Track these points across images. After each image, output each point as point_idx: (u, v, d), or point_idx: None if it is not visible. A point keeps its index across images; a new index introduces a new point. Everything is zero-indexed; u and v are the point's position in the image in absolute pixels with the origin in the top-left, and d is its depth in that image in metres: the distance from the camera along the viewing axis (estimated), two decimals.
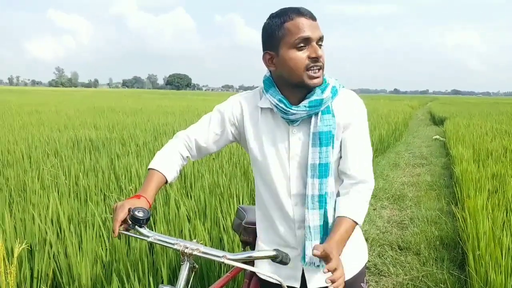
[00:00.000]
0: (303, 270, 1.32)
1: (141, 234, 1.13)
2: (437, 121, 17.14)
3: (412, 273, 3.17)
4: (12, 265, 2.01)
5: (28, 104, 19.10)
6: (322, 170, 1.23)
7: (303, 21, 1.16)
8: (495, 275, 2.24)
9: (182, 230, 2.77)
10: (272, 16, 1.22)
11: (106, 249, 2.50)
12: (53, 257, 2.44)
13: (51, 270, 2.37)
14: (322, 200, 1.24)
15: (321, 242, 1.25)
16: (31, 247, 2.51)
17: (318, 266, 1.27)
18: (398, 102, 31.52)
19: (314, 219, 1.24)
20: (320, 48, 1.19)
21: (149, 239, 1.11)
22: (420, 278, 3.08)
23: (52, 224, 2.81)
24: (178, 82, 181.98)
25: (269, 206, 1.34)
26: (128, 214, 1.13)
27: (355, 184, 1.26)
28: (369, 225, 4.25)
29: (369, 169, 1.28)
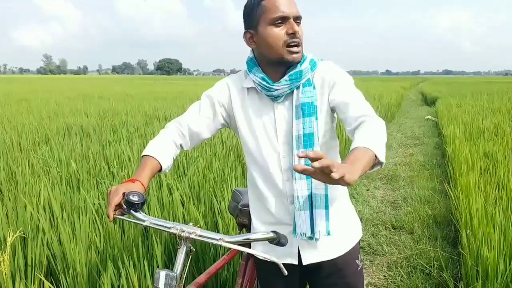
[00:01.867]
0: (298, 247, 1.32)
1: (136, 218, 1.11)
2: (429, 102, 17.21)
3: (406, 252, 3.21)
4: (6, 254, 1.99)
5: (16, 92, 18.80)
6: (306, 140, 1.23)
7: None
8: (488, 251, 2.26)
9: (176, 215, 2.76)
10: None
11: (100, 235, 2.49)
12: (47, 245, 2.42)
13: (45, 257, 2.35)
14: None
15: (311, 213, 1.25)
16: (24, 235, 2.48)
17: (310, 238, 1.26)
18: (390, 83, 31.56)
19: (302, 189, 1.25)
20: (298, 25, 1.21)
21: (145, 223, 1.09)
22: (413, 256, 3.12)
23: (45, 212, 2.78)
24: (169, 67, 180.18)
25: (261, 184, 1.34)
26: (123, 198, 1.11)
27: (365, 117, 1.15)
28: (362, 206, 4.27)
29: (372, 110, 1.19)
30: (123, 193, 1.11)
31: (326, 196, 1.26)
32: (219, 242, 1.02)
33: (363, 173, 0.95)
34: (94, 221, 2.64)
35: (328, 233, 1.27)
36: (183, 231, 1.06)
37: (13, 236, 2.08)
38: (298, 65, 1.25)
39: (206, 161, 4.18)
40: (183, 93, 17.83)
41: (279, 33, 1.20)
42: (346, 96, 1.23)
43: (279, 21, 1.19)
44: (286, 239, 1.04)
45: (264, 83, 1.26)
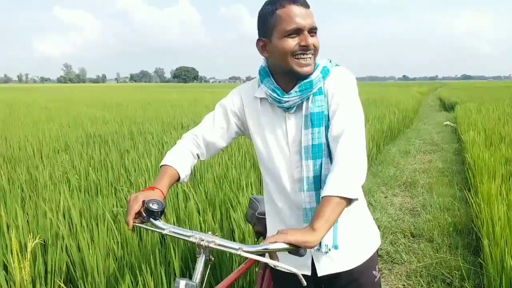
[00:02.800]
0: (312, 258, 1.31)
1: (156, 226, 1.11)
2: (448, 107, 16.92)
3: (425, 260, 3.14)
4: (26, 260, 2.03)
5: (37, 101, 19.27)
6: (315, 151, 1.22)
7: (294, 9, 1.16)
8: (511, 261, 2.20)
9: (192, 223, 2.77)
10: (266, 3, 1.22)
11: (118, 242, 2.51)
12: (66, 251, 2.45)
13: (65, 264, 2.39)
14: (317, 181, 1.22)
15: None
16: (44, 242, 2.53)
17: (318, 250, 1.25)
18: (408, 89, 31.17)
19: (310, 201, 1.23)
20: (313, 37, 1.19)
21: (164, 232, 1.09)
22: (433, 265, 3.05)
23: (64, 219, 2.83)
24: (185, 75, 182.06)
25: (274, 194, 1.34)
26: (142, 206, 1.11)
27: (342, 136, 1.16)
28: (380, 213, 4.21)
29: (351, 123, 1.18)
30: (143, 201, 1.11)
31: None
32: (238, 252, 1.01)
33: (328, 227, 1.03)
34: (112, 228, 2.67)
35: (336, 247, 1.25)
36: (202, 240, 1.05)
37: (33, 242, 2.12)
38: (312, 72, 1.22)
39: (223, 168, 4.19)
40: (199, 100, 17.98)
41: (290, 44, 1.17)
42: (334, 108, 1.21)
43: (293, 33, 1.17)
44: (305, 250, 1.03)
45: (275, 95, 1.24)
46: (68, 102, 18.47)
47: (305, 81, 1.22)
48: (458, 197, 4.57)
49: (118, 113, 11.61)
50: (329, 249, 1.25)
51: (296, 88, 1.22)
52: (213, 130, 1.36)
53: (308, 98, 1.24)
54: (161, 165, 1.29)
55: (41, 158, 5.16)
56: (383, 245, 3.44)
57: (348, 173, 1.10)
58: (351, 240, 1.29)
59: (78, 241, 2.45)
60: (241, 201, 3.06)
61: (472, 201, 3.54)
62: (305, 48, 1.17)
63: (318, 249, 1.25)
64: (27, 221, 2.74)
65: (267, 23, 1.21)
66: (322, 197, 1.08)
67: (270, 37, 1.21)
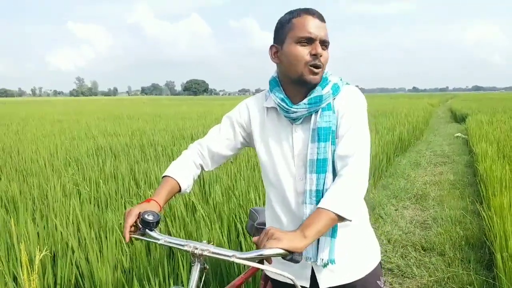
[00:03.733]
0: (312, 269, 1.30)
1: (151, 237, 1.15)
2: (458, 118, 16.76)
3: (437, 275, 3.09)
4: (35, 272, 2.04)
5: (50, 114, 19.57)
6: (320, 166, 1.22)
7: (309, 20, 1.20)
8: None
9: (199, 234, 2.76)
10: (285, 13, 1.27)
11: (127, 254, 2.52)
12: (75, 264, 2.47)
13: (74, 276, 2.39)
14: (319, 195, 1.22)
15: (318, 239, 1.22)
16: (53, 254, 2.54)
17: (319, 265, 1.25)
18: (418, 100, 31.01)
19: (311, 213, 1.22)
20: (323, 50, 1.22)
21: (159, 242, 1.12)
22: (445, 279, 3.00)
23: (74, 231, 2.85)
24: (196, 88, 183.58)
25: (276, 206, 1.34)
26: (138, 218, 1.15)
27: (347, 159, 1.19)
28: (391, 226, 4.16)
29: (360, 147, 1.21)
30: (139, 213, 1.15)
31: (335, 224, 1.20)
32: (232, 259, 1.02)
33: (317, 237, 1.08)
34: (121, 240, 2.68)
35: (332, 262, 1.24)
36: (197, 249, 1.07)
37: (41, 254, 2.13)
38: (320, 89, 1.24)
39: (231, 180, 4.19)
40: (209, 113, 18.09)
41: (302, 51, 1.20)
42: (344, 128, 1.22)
43: (305, 41, 1.20)
44: (300, 256, 1.03)
45: (284, 104, 1.25)
46: (80, 115, 18.73)
47: (315, 94, 1.23)
48: (470, 210, 4.50)
49: (129, 125, 11.73)
50: (325, 264, 1.24)
51: (305, 100, 1.24)
52: (219, 140, 1.38)
53: (316, 112, 1.25)
54: (163, 176, 1.31)
55: (53, 170, 5.22)
56: (394, 259, 3.39)
57: (349, 194, 1.15)
58: (350, 254, 1.29)
59: (87, 253, 2.46)
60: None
61: (484, 214, 3.48)
62: (315, 57, 1.20)
63: (314, 262, 1.25)
64: (37, 233, 2.76)
65: (282, 30, 1.25)
66: (318, 207, 1.12)
67: (282, 44, 1.25)
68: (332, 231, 1.23)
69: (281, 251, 1.01)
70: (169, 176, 1.30)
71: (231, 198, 3.53)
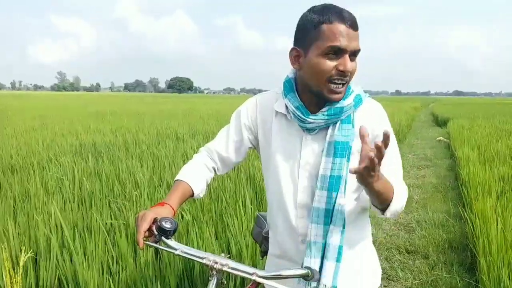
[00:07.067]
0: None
1: (168, 246, 1.07)
2: (440, 122, 17.08)
3: (421, 277, 3.13)
4: (18, 275, 1.98)
5: (30, 109, 19.13)
6: (332, 183, 1.13)
7: (342, 29, 1.06)
8: (509, 280, 2.19)
9: (188, 237, 2.74)
10: (313, 10, 1.11)
11: (113, 257, 2.47)
12: (58, 265, 2.40)
13: (57, 278, 2.34)
14: (328, 215, 1.14)
15: (321, 262, 1.15)
16: (36, 255, 2.47)
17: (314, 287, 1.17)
18: (401, 104, 31.43)
19: (317, 234, 1.15)
20: (352, 61, 1.10)
21: (176, 252, 1.05)
22: (429, 282, 3.04)
23: (56, 231, 2.78)
24: (180, 86, 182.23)
25: (276, 216, 1.27)
26: (153, 224, 1.07)
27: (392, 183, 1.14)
28: (375, 229, 4.20)
29: (401, 176, 1.20)
30: (155, 219, 1.07)
31: (340, 247, 1.14)
32: (253, 277, 0.97)
33: (377, 192, 1.01)
34: (105, 241, 2.63)
35: None
36: (216, 263, 1.02)
37: (25, 256, 2.07)
38: (341, 99, 1.14)
39: (218, 182, 4.17)
40: (194, 110, 17.97)
41: (328, 65, 1.07)
42: (385, 161, 1.01)
43: (333, 53, 1.07)
44: (318, 274, 1.02)
45: (299, 113, 1.15)
46: (62, 110, 18.37)
47: (336, 106, 1.13)
48: (453, 214, 4.57)
49: (113, 122, 11.55)
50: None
51: (324, 111, 1.14)
52: (227, 145, 1.31)
53: (334, 124, 1.15)
54: (175, 180, 1.24)
55: (33, 167, 5.10)
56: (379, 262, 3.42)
57: (403, 199, 1.13)
58: (353, 279, 1.24)
59: (71, 254, 2.41)
60: (239, 215, 3.03)
61: (467, 217, 3.54)
62: (342, 74, 1.08)
63: (316, 287, 1.16)
64: (18, 233, 2.69)
65: (308, 34, 1.10)
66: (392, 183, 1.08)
67: (307, 50, 1.11)
68: (338, 254, 1.15)
69: (303, 271, 0.99)
70: (182, 180, 1.22)
71: (218, 199, 3.51)
